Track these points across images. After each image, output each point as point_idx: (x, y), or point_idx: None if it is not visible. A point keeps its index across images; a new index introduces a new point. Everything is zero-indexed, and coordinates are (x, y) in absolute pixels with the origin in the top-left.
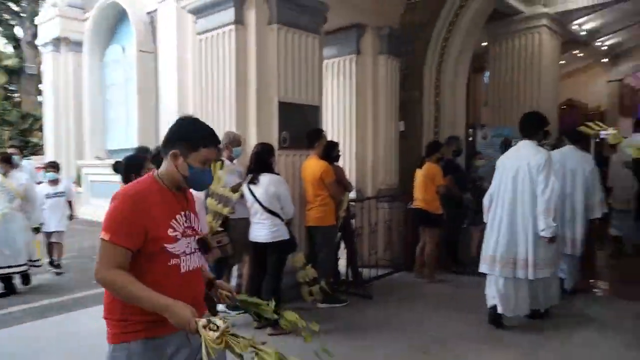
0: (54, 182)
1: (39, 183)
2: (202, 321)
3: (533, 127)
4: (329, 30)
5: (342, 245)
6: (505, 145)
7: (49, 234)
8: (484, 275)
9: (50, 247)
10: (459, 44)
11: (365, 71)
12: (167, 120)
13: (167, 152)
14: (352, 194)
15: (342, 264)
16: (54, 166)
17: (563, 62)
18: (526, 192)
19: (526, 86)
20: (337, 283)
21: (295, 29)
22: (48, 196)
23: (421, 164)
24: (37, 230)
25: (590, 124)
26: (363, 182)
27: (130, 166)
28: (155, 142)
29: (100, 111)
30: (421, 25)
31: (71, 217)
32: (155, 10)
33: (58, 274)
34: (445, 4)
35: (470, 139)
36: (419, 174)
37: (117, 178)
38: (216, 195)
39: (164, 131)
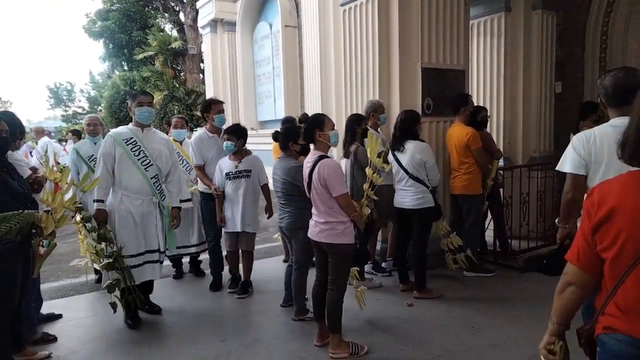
0: (237, 154)
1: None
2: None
3: None
4: None
5: (489, 215)
6: None
7: (233, 237)
8: None
9: (233, 257)
10: None
11: (516, 29)
12: (311, 91)
13: None
14: (501, 162)
15: (489, 234)
16: (232, 132)
17: None
18: None
19: None
20: (484, 253)
21: None
22: (228, 176)
23: (576, 128)
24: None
25: None
26: (513, 149)
27: (289, 135)
28: (300, 112)
29: (251, 85)
30: None
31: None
32: None
33: (241, 298)
34: None
35: None
36: None
37: (269, 147)
38: (373, 165)
39: (308, 102)
